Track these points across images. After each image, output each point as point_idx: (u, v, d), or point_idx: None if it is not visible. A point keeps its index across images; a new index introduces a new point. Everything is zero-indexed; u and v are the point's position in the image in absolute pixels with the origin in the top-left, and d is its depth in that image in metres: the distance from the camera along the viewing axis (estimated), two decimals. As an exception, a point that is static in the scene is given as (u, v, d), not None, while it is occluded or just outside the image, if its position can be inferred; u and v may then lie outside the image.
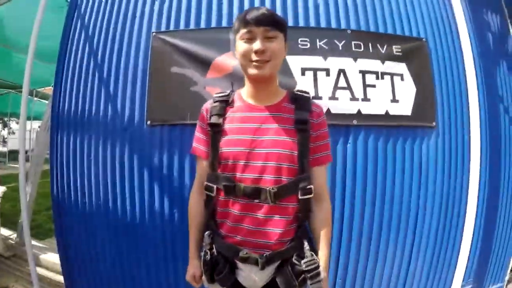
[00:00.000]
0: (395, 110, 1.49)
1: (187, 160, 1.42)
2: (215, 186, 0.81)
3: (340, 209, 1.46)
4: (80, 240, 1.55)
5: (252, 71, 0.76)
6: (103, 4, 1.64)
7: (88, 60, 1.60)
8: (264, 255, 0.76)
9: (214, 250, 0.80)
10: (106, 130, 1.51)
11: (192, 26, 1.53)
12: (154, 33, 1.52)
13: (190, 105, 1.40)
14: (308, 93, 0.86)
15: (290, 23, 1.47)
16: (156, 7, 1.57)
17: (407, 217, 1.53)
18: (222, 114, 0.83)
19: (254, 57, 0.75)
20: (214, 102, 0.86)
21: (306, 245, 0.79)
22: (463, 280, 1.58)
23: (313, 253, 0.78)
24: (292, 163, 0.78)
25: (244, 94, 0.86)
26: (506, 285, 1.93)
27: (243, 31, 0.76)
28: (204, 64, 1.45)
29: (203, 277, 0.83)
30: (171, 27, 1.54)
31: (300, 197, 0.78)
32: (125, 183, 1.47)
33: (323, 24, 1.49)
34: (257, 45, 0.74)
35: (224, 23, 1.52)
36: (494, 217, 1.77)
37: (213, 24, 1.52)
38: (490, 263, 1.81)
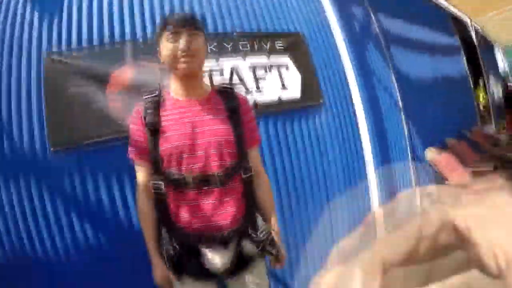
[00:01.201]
0: (287, 95, 1.72)
1: (102, 181, 1.40)
2: (163, 183, 0.83)
3: None
4: None
5: (181, 65, 0.81)
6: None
7: None
8: (225, 233, 0.83)
9: (175, 244, 0.83)
10: (3, 164, 1.36)
11: (84, 43, 1.50)
12: (45, 54, 1.46)
13: (95, 123, 1.40)
14: (231, 86, 0.98)
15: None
16: (45, 26, 1.50)
17: (317, 184, 1.75)
18: (156, 113, 0.84)
19: (180, 54, 0.80)
20: (146, 103, 0.86)
21: (259, 218, 0.88)
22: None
23: (265, 224, 0.88)
24: (231, 148, 0.85)
25: (173, 91, 0.89)
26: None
27: (167, 33, 0.81)
28: (102, 80, 1.44)
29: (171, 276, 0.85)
30: (63, 47, 1.48)
31: (243, 176, 0.87)
32: (37, 217, 1.35)
33: (211, 29, 1.64)
34: (182, 42, 0.79)
35: (116, 36, 1.53)
36: (391, 176, 2.14)
37: (106, 39, 1.51)
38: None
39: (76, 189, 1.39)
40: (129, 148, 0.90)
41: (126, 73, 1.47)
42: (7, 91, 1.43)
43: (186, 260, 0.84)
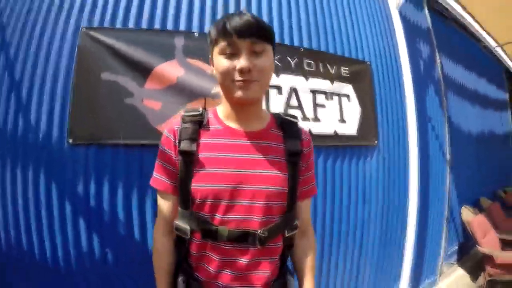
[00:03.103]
0: (343, 130, 1.46)
1: (120, 189, 1.13)
2: (189, 228, 0.63)
3: None
4: None
5: (237, 93, 0.59)
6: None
7: None
8: None
9: None
10: (15, 148, 1.12)
11: (131, 25, 1.23)
12: (84, 29, 1.18)
13: (124, 121, 1.13)
14: (296, 117, 0.71)
15: (242, 35, 1.33)
16: None
17: (355, 228, 1.53)
18: (195, 138, 0.63)
19: (237, 76, 0.57)
20: (184, 122, 0.64)
21: (292, 282, 0.71)
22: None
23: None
24: (282, 200, 0.64)
25: (222, 114, 0.67)
26: (439, 278, 2.13)
27: (222, 44, 0.58)
28: (142, 71, 1.17)
29: None
30: (106, 24, 1.21)
31: (286, 235, 0.67)
32: (41, 217, 1.11)
33: (276, 39, 1.38)
34: (242, 62, 0.56)
35: (169, 25, 1.25)
36: (425, 223, 1.92)
37: (157, 26, 1.24)
38: (425, 261, 1.97)
39: (90, 192, 1.13)
40: (154, 175, 0.68)
41: (172, 70, 1.20)
42: (33, 66, 1.17)
43: None
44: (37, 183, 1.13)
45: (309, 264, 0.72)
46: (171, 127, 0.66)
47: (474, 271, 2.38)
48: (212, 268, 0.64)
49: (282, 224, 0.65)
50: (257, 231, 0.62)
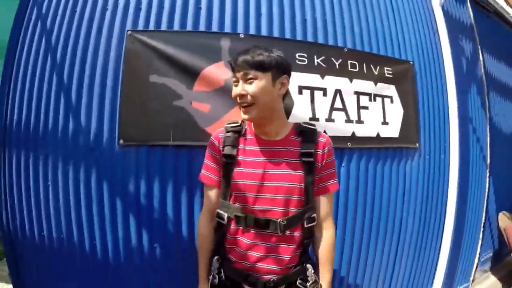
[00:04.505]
0: (385, 132, 1.41)
1: (170, 188, 1.16)
2: (226, 215, 0.80)
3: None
4: (40, 282, 1.21)
5: (242, 115, 0.78)
6: (66, -10, 1.28)
7: (44, 60, 1.21)
8: (272, 279, 0.78)
9: (223, 274, 0.80)
10: (66, 149, 1.16)
11: (176, 27, 1.23)
12: (129, 32, 1.20)
13: (173, 123, 1.15)
14: (314, 125, 0.85)
15: (288, 35, 1.28)
16: (132, 0, 1.24)
17: (392, 230, 1.50)
18: (235, 145, 0.81)
19: (238, 100, 0.77)
20: (227, 131, 0.83)
21: (310, 269, 0.81)
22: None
23: (316, 276, 0.81)
24: (300, 195, 0.79)
25: (254, 127, 0.84)
26: (471, 285, 2.06)
27: (233, 75, 0.79)
28: (191, 74, 1.18)
29: None
30: (151, 27, 1.22)
31: (305, 226, 0.80)
32: (92, 215, 1.16)
33: (320, 40, 1.34)
34: (234, 89, 0.77)
35: (214, 27, 1.24)
36: (462, 228, 1.85)
37: (202, 28, 1.23)
38: (458, 267, 1.91)
39: (140, 191, 1.16)
40: (202, 172, 0.88)
41: (219, 72, 1.20)
42: (80, 69, 1.20)
43: None
44: (89, 183, 1.17)
45: (325, 256, 0.83)
46: (216, 135, 0.85)
47: (507, 279, 2.28)
48: (242, 249, 0.79)
49: (300, 215, 0.79)
50: (278, 220, 0.76)
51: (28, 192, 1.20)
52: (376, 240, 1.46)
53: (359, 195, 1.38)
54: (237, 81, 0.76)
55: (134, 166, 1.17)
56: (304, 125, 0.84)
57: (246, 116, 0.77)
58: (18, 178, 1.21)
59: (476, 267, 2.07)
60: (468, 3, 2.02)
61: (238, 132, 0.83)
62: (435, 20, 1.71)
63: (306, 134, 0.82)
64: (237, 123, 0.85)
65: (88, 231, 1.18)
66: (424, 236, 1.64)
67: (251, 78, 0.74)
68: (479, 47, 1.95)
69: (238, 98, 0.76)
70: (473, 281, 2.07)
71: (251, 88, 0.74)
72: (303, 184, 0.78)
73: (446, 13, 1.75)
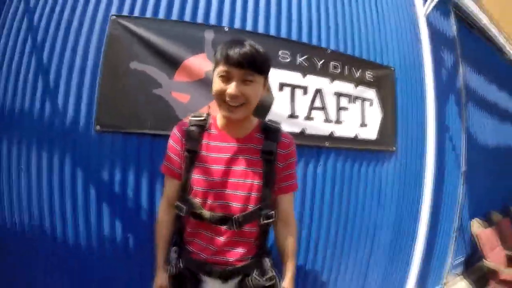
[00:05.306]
0: (363, 134, 1.45)
1: (145, 176, 1.15)
2: (185, 208, 0.79)
3: (308, 226, 1.37)
4: (10, 270, 1.16)
5: (225, 113, 0.73)
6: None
7: (24, 41, 1.17)
8: (227, 269, 0.79)
9: (181, 264, 0.81)
10: (41, 133, 1.13)
11: (161, 15, 1.22)
12: (113, 17, 1.18)
13: (152, 111, 1.14)
14: (279, 124, 0.84)
15: (272, 32, 1.30)
16: None
17: (366, 232, 1.53)
18: (199, 140, 0.79)
19: (227, 98, 0.70)
20: (191, 125, 0.80)
21: (267, 262, 0.82)
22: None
23: (275, 270, 0.82)
24: (258, 192, 0.78)
25: (219, 122, 0.82)
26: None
27: (221, 68, 0.69)
28: (172, 63, 1.17)
29: None
30: (136, 13, 1.20)
31: (261, 222, 0.79)
32: (65, 201, 1.13)
33: (304, 39, 1.37)
34: (231, 88, 0.68)
35: (199, 18, 1.24)
36: (436, 232, 1.91)
37: (187, 18, 1.23)
38: (431, 270, 1.96)
39: (114, 178, 1.15)
40: (164, 163, 0.85)
41: (201, 63, 1.20)
42: (61, 52, 1.18)
43: (186, 283, 0.81)
44: (63, 168, 1.14)
45: (290, 249, 0.85)
46: (180, 127, 0.82)
47: (478, 284, 2.36)
48: (202, 242, 0.79)
49: (257, 212, 0.78)
50: (234, 216, 0.76)
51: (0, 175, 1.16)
52: (351, 240, 1.49)
53: (334, 195, 1.41)
54: (229, 77, 0.68)
55: (110, 153, 1.15)
56: (269, 123, 0.83)
57: (231, 116, 0.72)
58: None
59: (448, 271, 2.13)
60: (453, 17, 2.10)
61: (202, 127, 0.80)
62: (419, 30, 1.76)
63: (269, 132, 0.81)
64: (202, 116, 0.81)
65: (60, 218, 1.15)
66: (398, 238, 1.68)
67: (249, 80, 0.69)
68: (460, 59, 2.02)
69: (227, 96, 0.69)
70: (445, 284, 2.14)
71: (249, 90, 0.70)
72: (261, 182, 0.77)
73: (430, 24, 1.81)
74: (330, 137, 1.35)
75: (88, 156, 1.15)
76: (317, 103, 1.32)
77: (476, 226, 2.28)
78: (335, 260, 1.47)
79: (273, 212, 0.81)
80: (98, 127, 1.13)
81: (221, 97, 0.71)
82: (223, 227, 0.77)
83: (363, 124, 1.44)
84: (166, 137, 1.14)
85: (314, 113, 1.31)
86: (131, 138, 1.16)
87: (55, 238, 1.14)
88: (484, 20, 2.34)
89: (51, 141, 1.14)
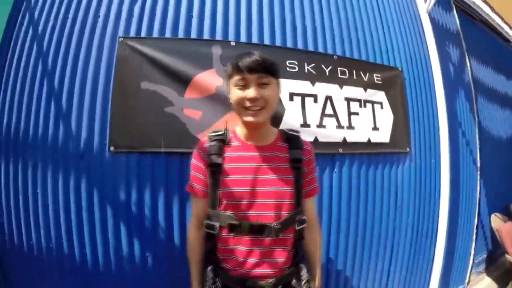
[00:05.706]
0: (376, 137, 1.43)
1: (161, 195, 1.15)
2: (217, 224, 0.79)
3: (327, 232, 1.36)
4: None
5: (248, 118, 0.75)
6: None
7: (35, 65, 1.20)
8: (269, 282, 0.79)
9: (219, 283, 0.80)
10: (56, 156, 1.15)
11: (168, 35, 1.24)
12: (121, 38, 1.20)
13: (165, 130, 1.15)
14: (298, 132, 0.87)
15: (278, 42, 1.31)
16: (125, 7, 1.23)
17: (386, 235, 1.51)
18: (220, 153, 0.80)
19: (248, 104, 0.73)
20: (211, 141, 0.82)
21: (304, 268, 0.84)
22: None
23: (309, 274, 0.85)
24: (291, 199, 0.80)
25: (240, 133, 0.84)
26: (466, 286, 2.06)
27: (236, 77, 0.73)
28: (182, 81, 1.18)
29: None
30: (143, 34, 1.23)
31: (296, 228, 0.82)
32: (83, 223, 1.14)
33: (310, 47, 1.36)
34: (250, 93, 0.72)
35: (205, 35, 1.26)
36: (456, 230, 1.86)
37: (193, 35, 1.24)
38: (453, 270, 1.91)
39: (131, 198, 1.15)
40: (189, 183, 0.86)
41: (211, 79, 1.21)
42: (71, 75, 1.20)
43: None
44: (79, 190, 1.16)
45: (318, 254, 0.90)
46: (200, 145, 0.84)
47: (502, 280, 2.29)
48: (237, 257, 0.79)
49: (292, 218, 0.80)
50: (272, 224, 0.77)
51: (16, 199, 1.18)
52: (371, 244, 1.47)
53: (351, 200, 1.39)
54: (245, 85, 0.73)
55: (125, 173, 1.16)
56: (290, 132, 0.86)
57: (254, 119, 0.74)
58: (6, 185, 1.19)
59: (471, 269, 2.08)
60: (454, 10, 2.08)
61: (222, 141, 0.82)
62: (422, 27, 1.75)
63: (292, 141, 0.84)
64: (221, 131, 0.84)
65: (78, 240, 1.16)
66: (418, 239, 1.65)
67: (265, 83, 0.73)
68: (465, 53, 2.00)
69: (247, 102, 0.73)
70: (468, 282, 2.08)
71: (267, 92, 0.74)
72: (293, 188, 0.80)
73: (433, 20, 1.79)
74: (343, 143, 1.33)
75: (103, 177, 1.16)
76: (328, 110, 1.31)
77: (496, 221, 2.22)
78: (356, 265, 1.44)
79: (305, 217, 0.84)
80: (112, 148, 1.15)
81: (241, 104, 0.74)
82: (261, 237, 0.78)
83: (375, 128, 1.43)
84: (181, 154, 1.17)
85: (326, 120, 1.30)
86: (146, 157, 1.16)
87: (74, 259, 1.15)
88: (486, 9, 2.31)
89: (66, 164, 1.16)
